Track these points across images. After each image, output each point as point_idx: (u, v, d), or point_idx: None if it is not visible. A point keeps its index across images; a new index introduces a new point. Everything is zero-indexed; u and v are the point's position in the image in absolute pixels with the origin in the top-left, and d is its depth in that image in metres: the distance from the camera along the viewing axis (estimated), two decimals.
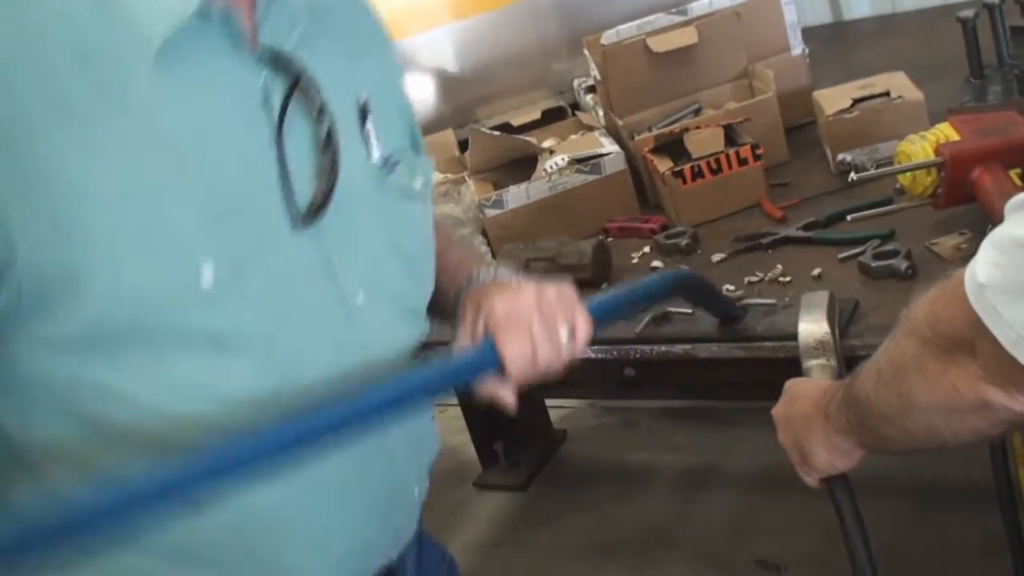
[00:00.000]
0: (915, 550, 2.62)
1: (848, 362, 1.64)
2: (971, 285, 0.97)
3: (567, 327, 1.18)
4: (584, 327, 1.21)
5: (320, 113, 1.10)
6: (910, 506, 2.76)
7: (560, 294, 1.20)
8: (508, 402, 1.17)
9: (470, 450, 3.57)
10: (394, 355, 1.20)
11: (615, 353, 1.84)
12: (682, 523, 3.12)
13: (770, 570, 2.81)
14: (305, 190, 1.09)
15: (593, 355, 1.86)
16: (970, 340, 0.99)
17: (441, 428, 3.58)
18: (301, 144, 1.10)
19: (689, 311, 1.81)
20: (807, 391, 1.43)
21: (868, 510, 1.48)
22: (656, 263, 2.05)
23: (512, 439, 3.50)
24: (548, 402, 3.61)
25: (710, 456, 3.34)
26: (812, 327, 1.63)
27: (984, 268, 0.96)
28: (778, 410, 1.44)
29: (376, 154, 1.18)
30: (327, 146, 1.10)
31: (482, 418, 3.51)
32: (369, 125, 1.18)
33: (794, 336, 1.64)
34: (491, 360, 1.15)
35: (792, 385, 1.48)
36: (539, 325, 1.16)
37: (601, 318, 1.27)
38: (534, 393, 3.43)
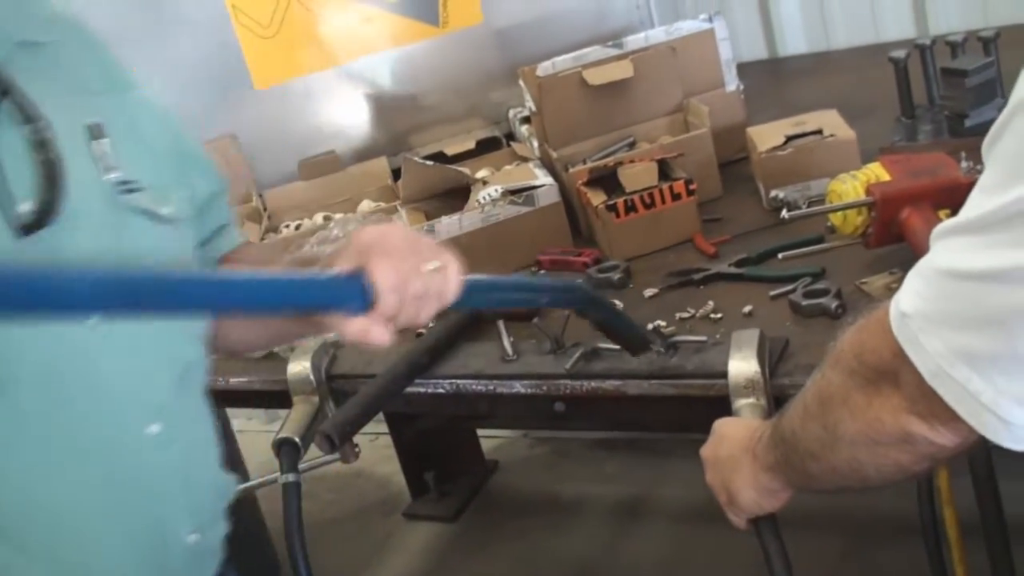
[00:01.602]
0: None
1: (777, 401, 1.63)
2: (895, 315, 0.97)
3: (436, 263, 1.13)
4: (455, 269, 1.16)
5: (32, 121, 1.09)
6: (839, 541, 2.76)
7: (429, 239, 1.19)
8: (381, 339, 1.07)
9: (400, 480, 3.53)
10: (140, 382, 1.17)
11: (544, 388, 1.81)
12: (612, 555, 3.10)
13: None
14: (24, 197, 1.08)
15: (523, 390, 1.83)
16: (894, 371, 0.99)
17: (370, 457, 3.52)
18: (13, 151, 1.09)
19: (619, 348, 1.79)
20: (735, 431, 1.42)
21: (797, 546, 1.47)
22: None
23: (443, 469, 3.46)
24: (479, 432, 3.59)
25: (642, 487, 3.33)
26: (742, 366, 1.62)
27: (908, 297, 0.96)
28: (706, 450, 1.43)
29: (111, 175, 1.17)
30: (44, 155, 1.10)
31: (412, 447, 3.47)
32: (100, 146, 1.17)
33: (724, 374, 1.63)
34: (357, 286, 1.06)
35: (720, 425, 1.47)
36: (408, 254, 1.10)
37: (473, 288, 1.22)
38: (464, 423, 3.41)
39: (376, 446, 3.69)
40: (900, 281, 1.80)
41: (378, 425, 3.49)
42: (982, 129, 2.19)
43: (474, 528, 3.37)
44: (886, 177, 1.81)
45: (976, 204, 0.91)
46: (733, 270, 1.97)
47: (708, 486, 1.42)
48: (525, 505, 3.41)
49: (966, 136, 2.21)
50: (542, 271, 2.17)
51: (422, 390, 1.91)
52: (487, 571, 3.15)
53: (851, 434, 1.08)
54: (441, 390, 1.90)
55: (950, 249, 0.93)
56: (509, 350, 1.87)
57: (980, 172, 1.75)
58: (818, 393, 1.14)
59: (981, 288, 0.89)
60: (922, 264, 0.96)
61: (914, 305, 0.95)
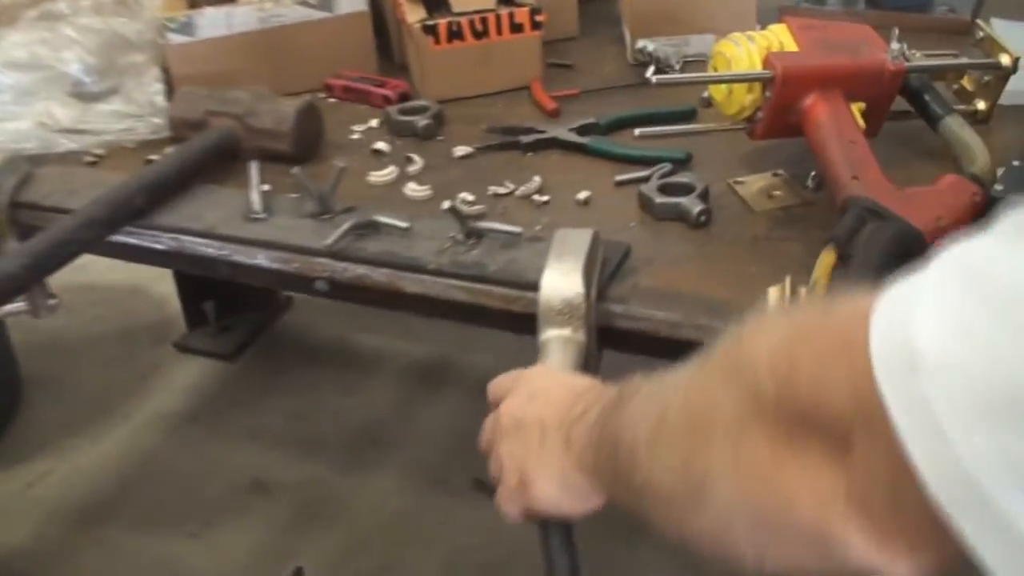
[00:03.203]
0: None
1: (602, 334, 1.15)
2: (895, 347, 0.46)
3: None
4: None
5: None
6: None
7: None
8: None
9: (175, 304, 2.96)
10: None
11: (295, 266, 1.27)
12: (402, 423, 2.64)
13: (485, 492, 2.37)
14: None
15: (267, 263, 1.29)
16: (846, 429, 0.50)
17: (150, 272, 2.86)
18: None
19: (404, 225, 1.26)
20: (551, 392, 0.91)
21: None
22: (380, 144, 1.47)
23: (226, 300, 2.90)
24: None
25: (447, 349, 2.87)
26: (560, 282, 1.11)
27: (931, 323, 0.45)
28: (508, 406, 0.93)
29: None
30: None
31: None
32: None
33: (535, 286, 1.12)
34: None
35: (533, 376, 0.97)
36: None
37: None
38: None
39: None
40: (784, 187, 1.31)
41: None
42: (906, 3, 1.65)
43: (252, 372, 2.86)
44: (792, 47, 1.29)
45: None
46: (574, 137, 1.44)
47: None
48: (315, 353, 2.90)
49: (886, 9, 1.71)
50: (332, 98, 1.59)
51: (134, 241, 1.35)
52: (258, 424, 2.66)
53: (729, 496, 0.59)
54: (160, 245, 1.34)
55: None
56: (257, 204, 1.32)
57: (914, 59, 1.23)
58: (690, 408, 0.63)
59: None
60: (972, 261, 0.45)
61: (944, 346, 0.44)
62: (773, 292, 1.11)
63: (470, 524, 2.31)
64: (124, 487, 2.51)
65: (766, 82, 1.25)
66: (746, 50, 1.27)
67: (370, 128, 1.53)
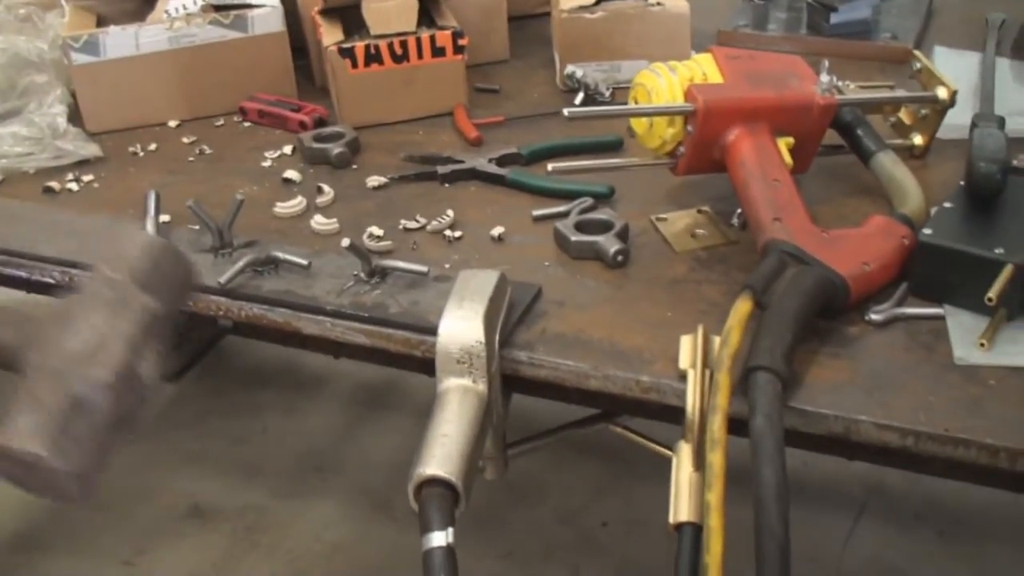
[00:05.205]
0: None
1: (507, 381, 1.06)
2: None
3: None
4: None
5: None
6: None
7: None
8: None
9: None
10: None
11: (191, 303, 1.19)
12: (346, 449, 2.54)
13: None
14: None
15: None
16: None
17: None
18: None
19: (305, 262, 1.18)
20: None
21: None
22: (291, 173, 1.39)
23: None
24: None
25: (393, 371, 2.76)
26: (460, 328, 1.03)
27: None
28: None
29: None
30: None
31: None
32: None
33: (435, 330, 1.04)
34: None
35: None
36: None
37: None
38: None
39: None
40: (708, 225, 1.22)
41: None
42: (847, 30, 1.59)
43: (195, 393, 2.75)
44: (717, 78, 1.21)
45: None
46: (493, 169, 1.35)
47: None
48: (259, 374, 2.80)
49: (827, 35, 1.63)
50: (247, 122, 1.51)
51: (20, 273, 1.26)
52: (199, 446, 2.56)
53: None
54: (49, 279, 1.25)
55: None
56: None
57: (844, 91, 1.16)
58: None
59: None
60: None
61: None
62: (686, 341, 1.03)
63: (415, 556, 2.21)
64: (56, 509, 2.40)
65: (687, 116, 1.17)
66: (667, 81, 1.19)
67: (283, 155, 1.44)
